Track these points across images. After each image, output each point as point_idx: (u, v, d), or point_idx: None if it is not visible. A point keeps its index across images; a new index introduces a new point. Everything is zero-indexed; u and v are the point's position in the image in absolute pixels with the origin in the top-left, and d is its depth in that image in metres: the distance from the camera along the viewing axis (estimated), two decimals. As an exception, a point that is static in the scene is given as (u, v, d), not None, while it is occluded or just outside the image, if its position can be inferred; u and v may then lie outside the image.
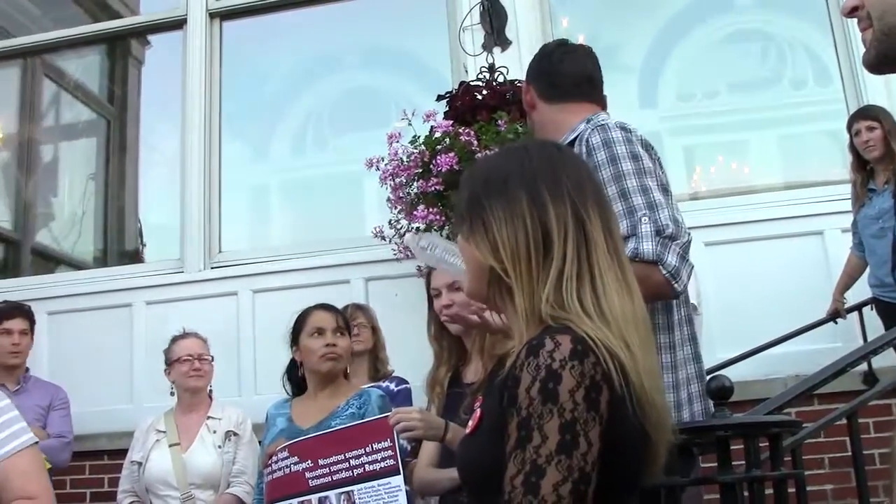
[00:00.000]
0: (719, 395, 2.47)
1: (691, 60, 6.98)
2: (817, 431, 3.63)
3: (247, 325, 6.13)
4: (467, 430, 1.74)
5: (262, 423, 4.00)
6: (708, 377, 2.63)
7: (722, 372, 3.86)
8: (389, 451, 3.18)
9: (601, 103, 2.88)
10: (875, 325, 5.27)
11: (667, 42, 6.97)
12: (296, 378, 3.94)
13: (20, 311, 5.36)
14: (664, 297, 2.50)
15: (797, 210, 5.78)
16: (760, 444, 2.54)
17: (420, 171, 5.15)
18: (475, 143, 5.03)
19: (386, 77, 7.36)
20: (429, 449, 3.20)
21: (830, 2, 6.23)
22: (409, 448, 3.54)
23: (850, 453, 3.54)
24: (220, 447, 4.56)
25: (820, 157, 6.64)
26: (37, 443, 2.79)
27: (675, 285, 2.44)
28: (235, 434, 4.61)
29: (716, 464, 2.48)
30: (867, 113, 5.34)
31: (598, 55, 2.96)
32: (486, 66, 5.82)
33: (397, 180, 5.23)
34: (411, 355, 4.47)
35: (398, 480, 3.15)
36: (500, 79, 5.64)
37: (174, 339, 4.82)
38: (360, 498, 3.20)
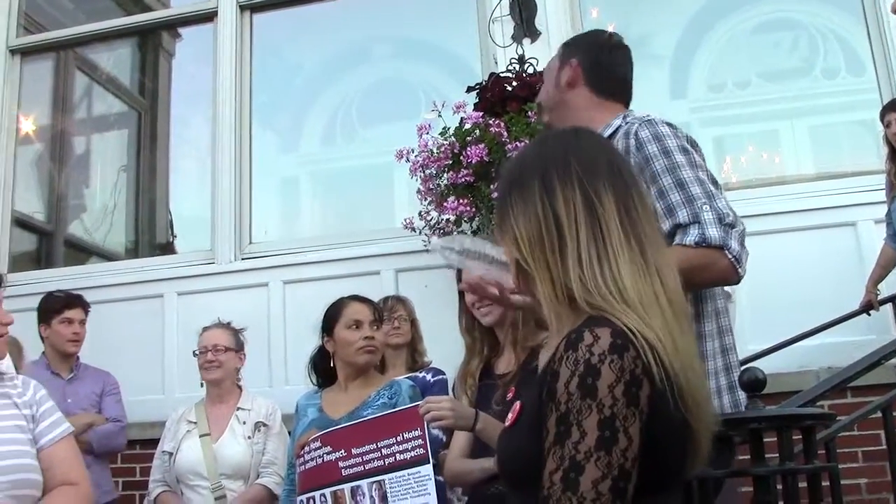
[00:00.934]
0: (752, 387, 2.44)
1: (722, 50, 6.93)
2: (851, 424, 3.60)
3: (277, 316, 6.15)
4: (507, 423, 1.74)
5: (292, 414, 4.01)
6: (741, 368, 2.61)
7: (754, 364, 3.85)
8: (419, 441, 3.18)
9: (629, 105, 2.90)
10: (909, 318, 5.23)
11: (697, 31, 6.92)
12: (322, 368, 3.94)
13: (79, 301, 5.44)
14: (729, 282, 2.53)
15: (829, 201, 5.72)
16: (793, 438, 2.52)
17: (450, 162, 5.16)
18: (505, 134, 5.03)
19: (415, 68, 7.35)
20: (460, 439, 3.20)
21: (863, -10, 6.17)
22: (443, 439, 3.53)
23: (884, 447, 3.52)
24: (249, 438, 4.55)
25: (853, 147, 6.59)
26: (72, 432, 2.87)
27: (740, 270, 2.45)
28: (265, 425, 4.61)
29: (747, 456, 2.46)
30: (899, 103, 5.30)
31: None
32: (516, 57, 5.80)
33: (427, 172, 5.23)
34: (441, 346, 4.48)
35: (427, 469, 3.15)
36: (530, 70, 5.63)
37: (203, 330, 4.84)
38: (390, 487, 3.21)
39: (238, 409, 4.66)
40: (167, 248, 7.52)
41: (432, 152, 5.21)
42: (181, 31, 7.83)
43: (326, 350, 3.90)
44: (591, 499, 1.42)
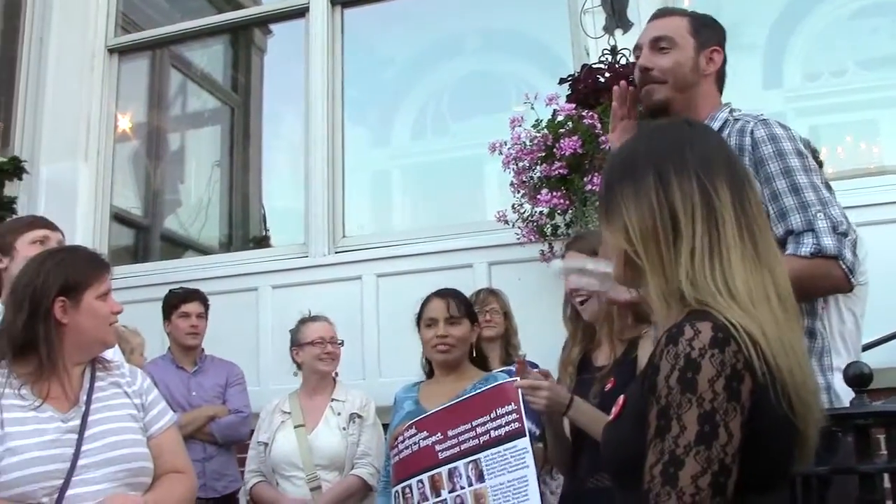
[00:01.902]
0: (858, 381, 2.40)
1: (817, 37, 6.78)
2: (961, 421, 3.51)
3: (370, 309, 6.18)
4: (611, 416, 1.75)
5: (385, 406, 4.04)
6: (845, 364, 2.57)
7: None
8: (514, 415, 3.18)
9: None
10: None
11: (791, 18, 6.78)
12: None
13: (197, 295, 5.61)
14: (841, 291, 2.59)
15: (932, 191, 5.55)
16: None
17: (543, 154, 5.14)
18: (598, 126, 5.00)
19: (505, 61, 7.34)
20: None
21: (970, -28, 5.99)
22: (536, 432, 3.53)
23: None
24: (344, 429, 4.61)
25: (955, 136, 6.40)
26: (176, 422, 2.97)
27: (852, 280, 2.46)
28: (359, 416, 4.66)
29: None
30: None
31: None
32: (608, 48, 5.75)
33: (520, 164, 5.22)
34: (535, 339, 4.46)
35: (524, 443, 3.14)
36: (623, 61, 5.58)
37: (303, 321, 4.90)
38: (486, 466, 3.21)
39: (333, 400, 4.73)
40: (261, 242, 7.63)
41: (525, 145, 5.20)
42: (272, 27, 7.94)
43: None
44: (690, 493, 1.42)
